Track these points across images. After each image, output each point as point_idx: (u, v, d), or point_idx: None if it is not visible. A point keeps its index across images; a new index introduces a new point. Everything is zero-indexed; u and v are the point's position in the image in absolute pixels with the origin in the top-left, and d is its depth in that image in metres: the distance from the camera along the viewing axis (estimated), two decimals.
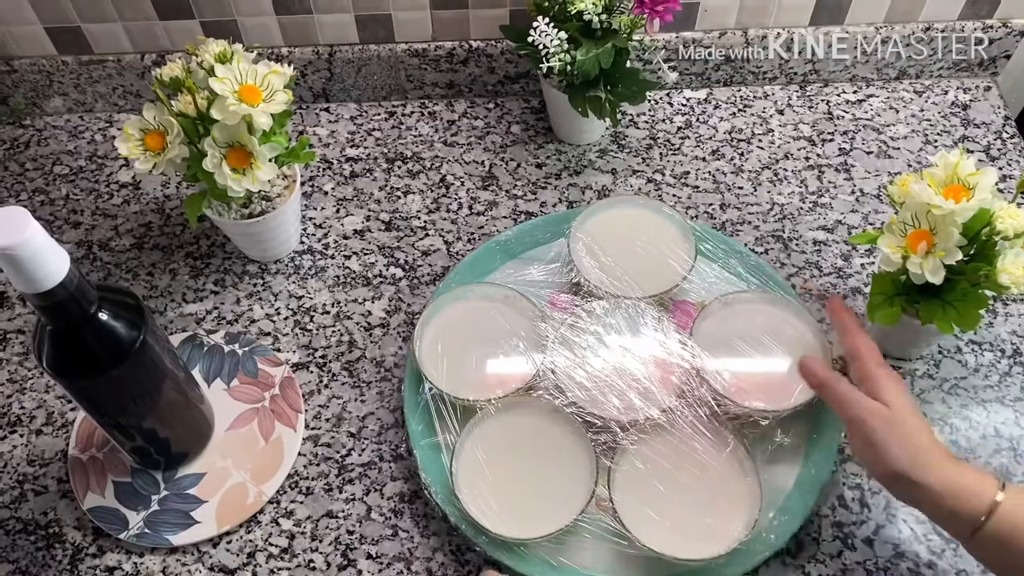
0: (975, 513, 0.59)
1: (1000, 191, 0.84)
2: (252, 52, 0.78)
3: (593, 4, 0.83)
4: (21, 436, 0.81)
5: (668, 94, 1.04)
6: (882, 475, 0.64)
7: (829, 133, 1.00)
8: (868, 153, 0.98)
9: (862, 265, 0.89)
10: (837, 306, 0.73)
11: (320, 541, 0.75)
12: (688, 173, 0.96)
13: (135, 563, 0.74)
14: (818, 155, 0.98)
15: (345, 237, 0.93)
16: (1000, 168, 0.95)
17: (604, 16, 0.84)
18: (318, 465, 0.79)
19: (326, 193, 0.96)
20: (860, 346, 0.68)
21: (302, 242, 0.92)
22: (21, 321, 0.88)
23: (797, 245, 0.91)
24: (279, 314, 0.88)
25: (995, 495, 0.59)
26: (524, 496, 0.73)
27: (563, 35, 0.85)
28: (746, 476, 0.72)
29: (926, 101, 1.02)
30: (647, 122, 1.01)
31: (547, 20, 0.85)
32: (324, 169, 0.98)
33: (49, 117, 1.04)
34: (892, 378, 0.67)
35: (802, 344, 0.78)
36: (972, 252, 0.70)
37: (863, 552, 0.73)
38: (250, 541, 0.75)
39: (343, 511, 0.76)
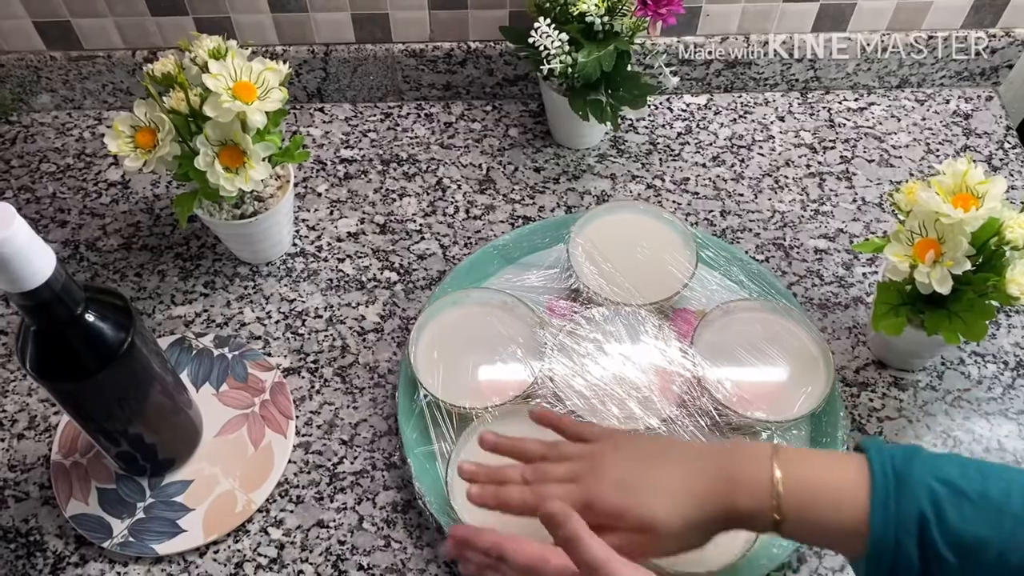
0: (768, 519, 0.56)
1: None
2: (247, 50, 0.76)
3: (596, 5, 0.82)
4: (2, 440, 0.78)
5: (668, 99, 1.02)
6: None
7: (830, 141, 0.99)
8: (870, 161, 0.97)
9: (864, 274, 0.88)
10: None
11: (310, 551, 0.73)
12: (688, 179, 0.95)
13: (119, 572, 0.72)
14: (819, 163, 0.97)
15: (339, 240, 0.91)
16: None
17: (606, 18, 0.82)
18: (309, 473, 0.77)
19: (319, 195, 0.94)
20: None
21: (295, 244, 0.90)
22: (3, 322, 0.86)
23: (798, 253, 0.89)
24: (270, 317, 0.86)
25: (772, 493, 0.56)
26: None
27: (564, 37, 0.83)
28: None
29: (928, 110, 1.01)
30: (647, 127, 1.00)
31: (548, 21, 0.83)
32: (318, 170, 0.96)
33: (36, 114, 1.02)
34: (588, 468, 0.61)
35: (804, 353, 0.77)
36: (979, 262, 0.69)
37: None
38: (238, 551, 0.73)
39: (334, 520, 0.74)
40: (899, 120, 1.00)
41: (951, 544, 0.52)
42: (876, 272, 0.88)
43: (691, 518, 0.57)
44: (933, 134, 0.99)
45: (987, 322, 0.69)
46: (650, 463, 0.61)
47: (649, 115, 1.01)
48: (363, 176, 0.96)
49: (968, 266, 0.67)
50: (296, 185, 0.94)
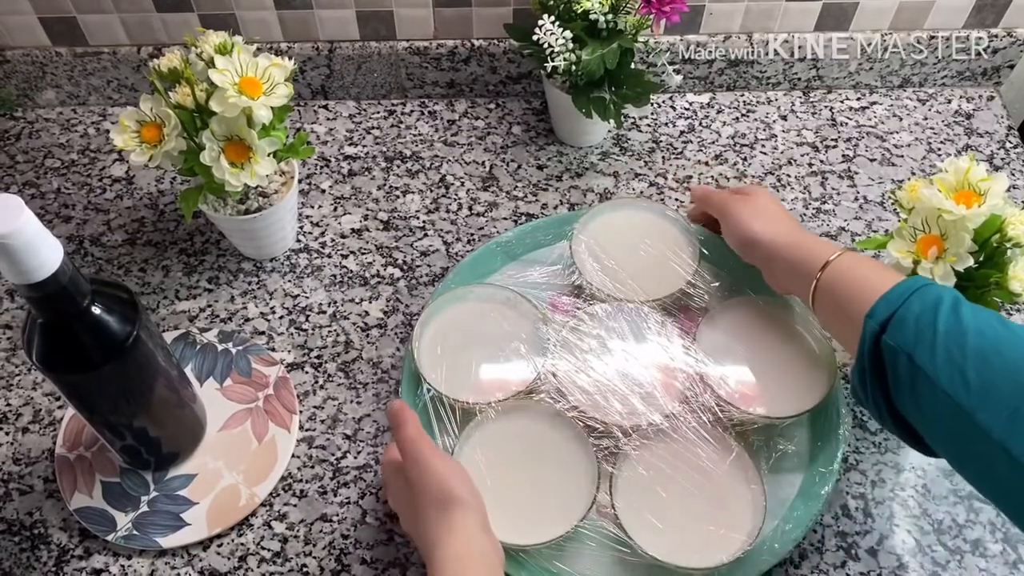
0: (813, 271, 0.67)
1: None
2: (252, 46, 0.77)
3: (600, 3, 0.82)
4: (7, 434, 0.79)
5: (671, 98, 1.03)
6: (738, 241, 0.75)
7: (832, 140, 0.99)
8: (872, 160, 0.97)
9: None
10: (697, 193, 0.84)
11: (313, 545, 0.73)
12: (691, 177, 0.95)
13: (122, 566, 0.72)
14: (821, 161, 0.97)
15: (342, 236, 0.91)
16: None
17: (610, 16, 0.83)
18: (312, 467, 0.77)
19: (323, 191, 0.95)
20: (723, 191, 0.81)
21: (298, 240, 0.91)
22: (9, 316, 0.86)
23: None
24: (274, 313, 0.86)
25: (830, 256, 0.67)
26: (524, 501, 0.71)
27: (568, 34, 0.84)
28: (749, 484, 0.71)
29: (929, 109, 1.01)
30: (649, 125, 1.00)
31: (552, 19, 0.84)
32: (322, 167, 0.97)
33: (41, 109, 1.02)
34: (756, 189, 0.79)
35: (806, 349, 0.77)
36: (982, 259, 0.69)
37: (867, 563, 0.72)
38: (241, 544, 0.73)
39: (337, 515, 0.75)
40: (901, 119, 1.01)
41: (951, 331, 0.55)
42: None
43: (765, 241, 0.73)
44: (935, 133, 0.99)
45: None
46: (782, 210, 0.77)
47: (652, 113, 1.01)
48: (367, 173, 0.96)
49: (970, 262, 0.67)
50: (300, 181, 0.94)
